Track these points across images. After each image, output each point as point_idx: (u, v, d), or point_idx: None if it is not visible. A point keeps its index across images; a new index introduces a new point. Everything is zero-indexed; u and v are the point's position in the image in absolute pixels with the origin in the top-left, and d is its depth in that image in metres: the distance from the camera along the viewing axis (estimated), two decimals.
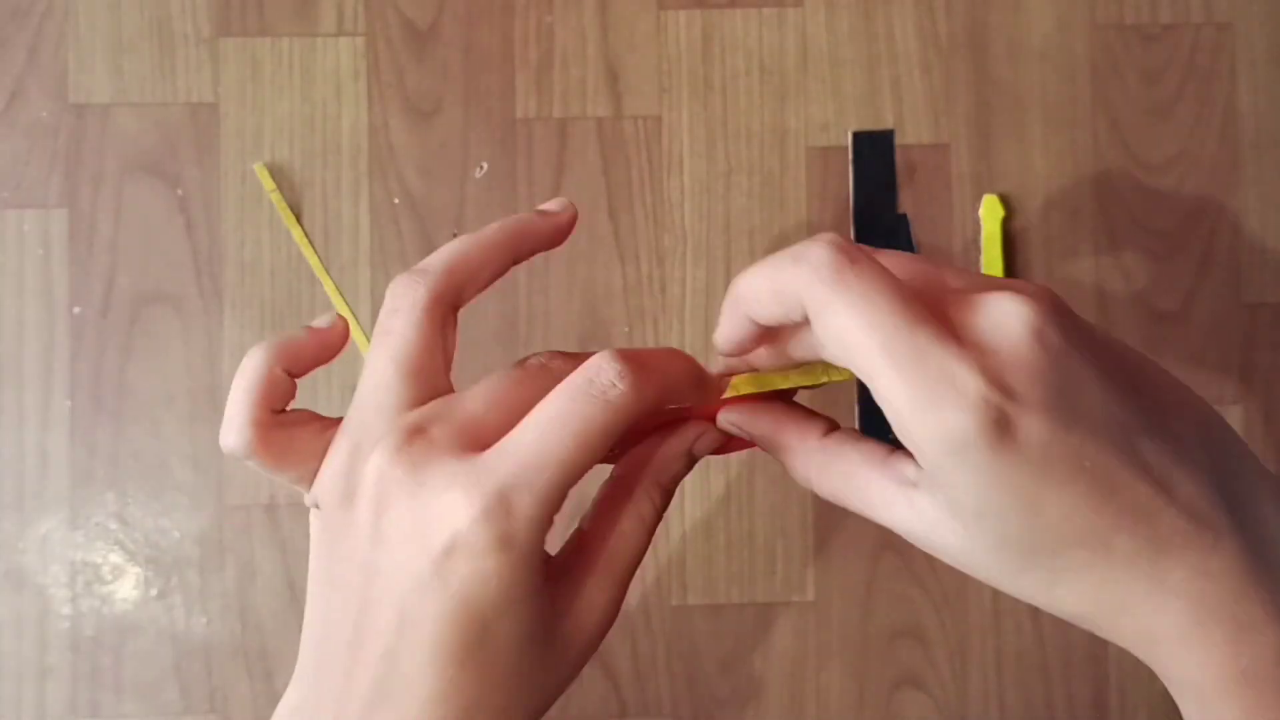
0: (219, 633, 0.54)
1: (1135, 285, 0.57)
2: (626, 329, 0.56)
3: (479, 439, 0.26)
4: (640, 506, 0.29)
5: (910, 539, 0.27)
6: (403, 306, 0.28)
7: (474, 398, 0.27)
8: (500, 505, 0.25)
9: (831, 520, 0.54)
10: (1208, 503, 0.25)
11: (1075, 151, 0.57)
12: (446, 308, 0.29)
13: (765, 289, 0.26)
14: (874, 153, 0.57)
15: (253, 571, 0.54)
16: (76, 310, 0.55)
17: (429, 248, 0.56)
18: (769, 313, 0.26)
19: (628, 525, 0.29)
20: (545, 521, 0.26)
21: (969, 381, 0.23)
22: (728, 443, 0.32)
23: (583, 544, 0.29)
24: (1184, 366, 0.57)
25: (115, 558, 0.54)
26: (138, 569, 0.54)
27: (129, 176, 0.55)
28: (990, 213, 0.56)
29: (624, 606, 0.54)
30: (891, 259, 0.27)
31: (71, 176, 0.55)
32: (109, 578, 0.54)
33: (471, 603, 0.25)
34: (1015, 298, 0.24)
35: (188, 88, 0.56)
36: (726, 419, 0.31)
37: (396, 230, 0.56)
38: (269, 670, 0.54)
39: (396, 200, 0.56)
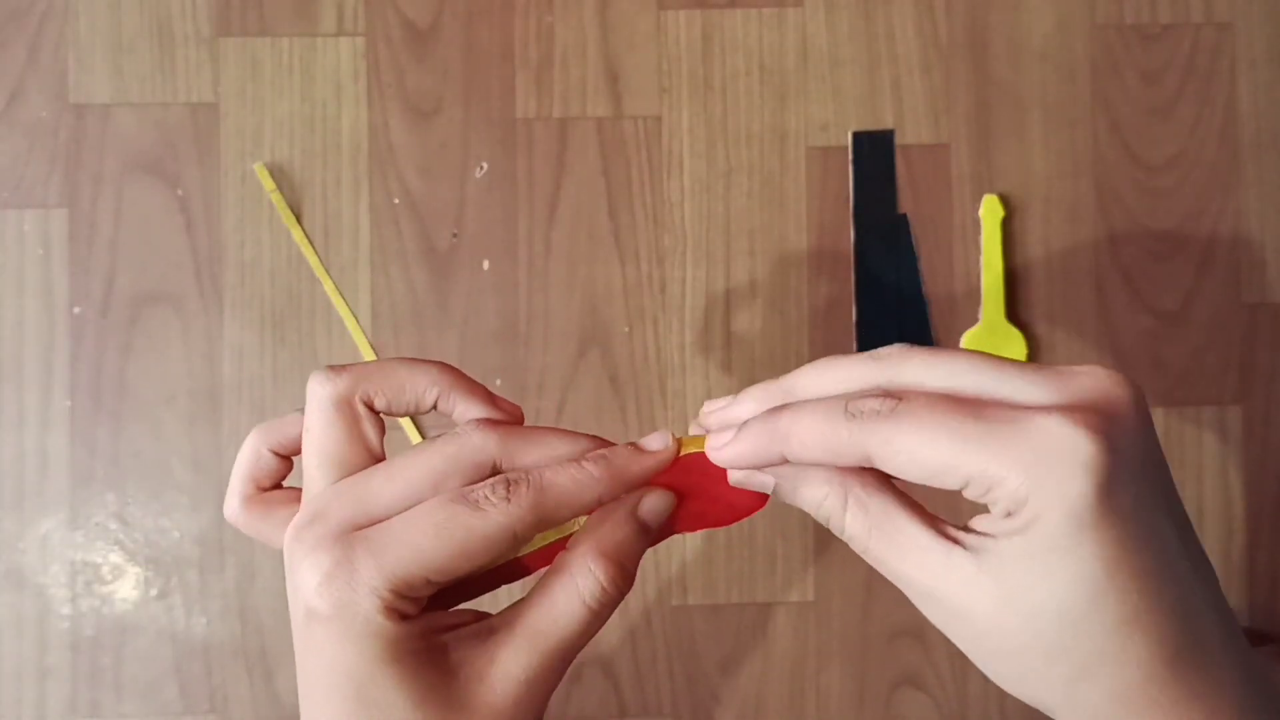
0: (219, 633, 0.54)
1: (1135, 285, 0.57)
2: (626, 329, 0.56)
3: (371, 516, 0.28)
4: (577, 579, 0.29)
5: (927, 598, 0.27)
6: (313, 404, 0.30)
7: (376, 475, 0.29)
8: (342, 573, 0.27)
9: None
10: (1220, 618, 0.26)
11: (1075, 151, 0.57)
12: (355, 405, 0.30)
13: (820, 438, 0.26)
14: (874, 153, 0.57)
15: (253, 571, 0.54)
16: (76, 310, 0.55)
17: (429, 248, 0.56)
18: (812, 458, 0.27)
19: (560, 598, 0.28)
20: (391, 596, 0.27)
21: (1081, 443, 0.24)
22: (730, 508, 0.31)
23: (513, 612, 0.29)
24: (1184, 366, 0.57)
25: (115, 558, 0.54)
26: (138, 569, 0.54)
27: (129, 176, 0.55)
28: (990, 213, 0.56)
29: (624, 607, 0.55)
30: (945, 369, 0.27)
31: (71, 176, 0.55)
32: (109, 578, 0.54)
33: (335, 663, 0.27)
34: (1103, 370, 0.25)
35: (188, 88, 0.56)
36: (737, 473, 0.30)
37: (396, 230, 0.56)
38: (269, 670, 0.54)
39: (396, 200, 0.56)
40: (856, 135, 0.56)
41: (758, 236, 0.56)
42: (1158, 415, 0.56)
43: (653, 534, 0.30)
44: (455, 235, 0.56)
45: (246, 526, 0.35)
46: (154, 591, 0.54)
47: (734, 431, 0.29)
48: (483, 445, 0.29)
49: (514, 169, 0.56)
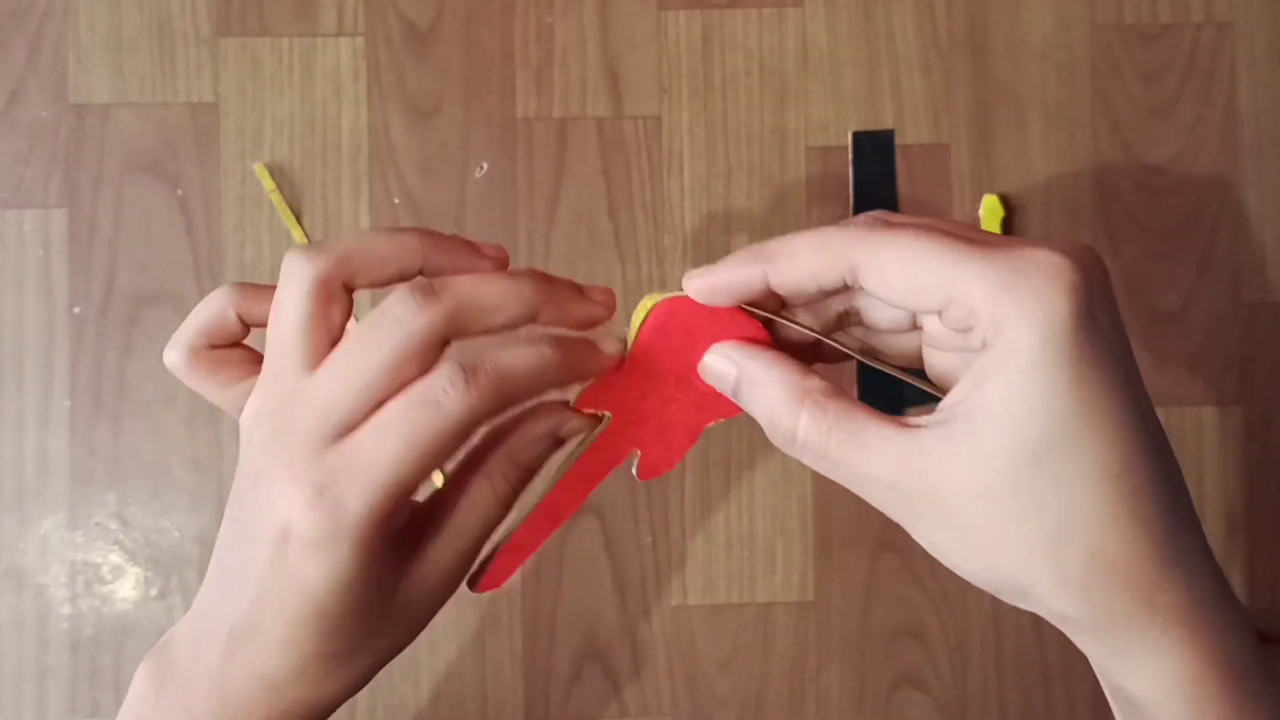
0: None
1: (1135, 285, 0.57)
2: (626, 328, 0.56)
3: (336, 426, 0.28)
4: (494, 480, 0.30)
5: (893, 490, 0.26)
6: (290, 287, 0.29)
7: (331, 377, 0.28)
8: (327, 502, 0.27)
9: (831, 520, 0.54)
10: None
11: (1075, 151, 0.57)
12: (334, 288, 0.29)
13: (806, 245, 0.26)
14: (874, 153, 0.57)
15: None
16: (76, 310, 0.55)
17: None
18: (800, 274, 0.27)
19: (479, 495, 0.30)
20: (375, 518, 0.27)
21: (1063, 267, 0.24)
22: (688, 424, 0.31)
23: (432, 509, 0.31)
24: (1184, 366, 0.57)
25: (115, 558, 0.54)
26: (138, 569, 0.54)
27: (129, 176, 0.55)
28: (990, 213, 0.56)
29: (624, 606, 0.55)
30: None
31: (71, 176, 0.55)
32: (109, 578, 0.54)
33: (307, 585, 0.28)
34: (1075, 242, 0.26)
35: (188, 88, 0.56)
36: (716, 357, 0.30)
37: None
38: None
39: (396, 200, 0.56)
40: (856, 135, 0.56)
41: (758, 236, 0.56)
42: (1158, 415, 0.56)
43: (562, 445, 0.32)
44: (455, 236, 0.56)
45: (188, 378, 0.34)
46: (154, 591, 0.54)
47: (707, 267, 0.29)
48: (428, 326, 0.28)
49: (514, 169, 0.56)
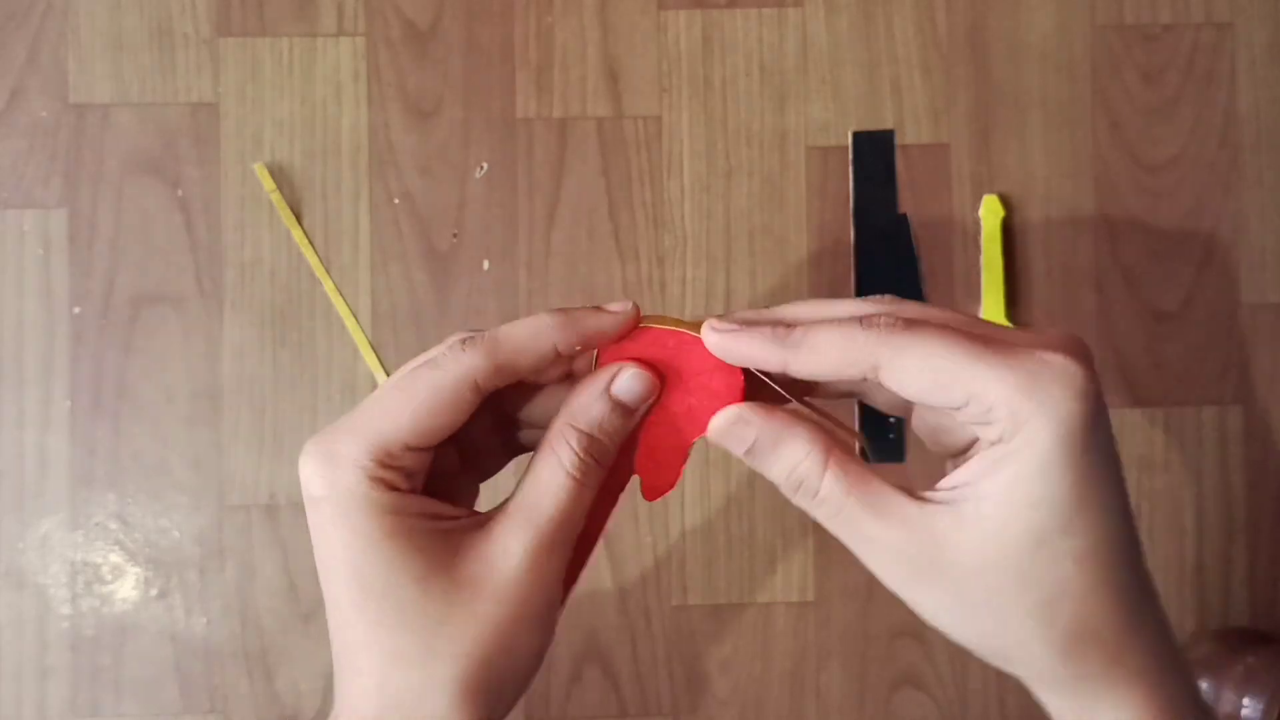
0: (219, 633, 0.54)
1: (1135, 285, 0.57)
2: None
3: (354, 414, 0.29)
4: (558, 451, 0.29)
5: (898, 555, 0.28)
6: (442, 375, 0.29)
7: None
8: (325, 455, 0.28)
9: None
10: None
11: (1075, 151, 0.57)
12: (479, 392, 0.29)
13: (831, 342, 0.27)
14: (874, 153, 0.57)
15: (253, 571, 0.54)
16: (76, 310, 0.55)
17: (429, 248, 0.56)
18: (822, 369, 0.28)
19: (544, 472, 0.29)
20: (374, 465, 0.28)
21: (1077, 373, 0.26)
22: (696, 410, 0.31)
23: (508, 499, 0.30)
24: (1184, 366, 0.57)
25: (115, 558, 0.54)
26: (138, 569, 0.54)
27: (129, 176, 0.55)
28: (990, 213, 0.56)
29: (624, 606, 0.55)
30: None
31: (71, 176, 0.55)
32: (109, 578, 0.54)
33: (332, 543, 0.28)
34: (1068, 332, 0.28)
35: (188, 88, 0.56)
36: (719, 423, 0.30)
37: (396, 230, 0.56)
38: (269, 670, 0.54)
39: (396, 200, 0.56)
40: (856, 135, 0.56)
41: (758, 236, 0.56)
42: (1158, 415, 0.56)
43: (631, 412, 0.30)
44: (455, 235, 0.56)
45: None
46: (154, 591, 0.54)
47: (737, 325, 0.29)
48: (458, 343, 0.30)
49: (514, 169, 0.56)
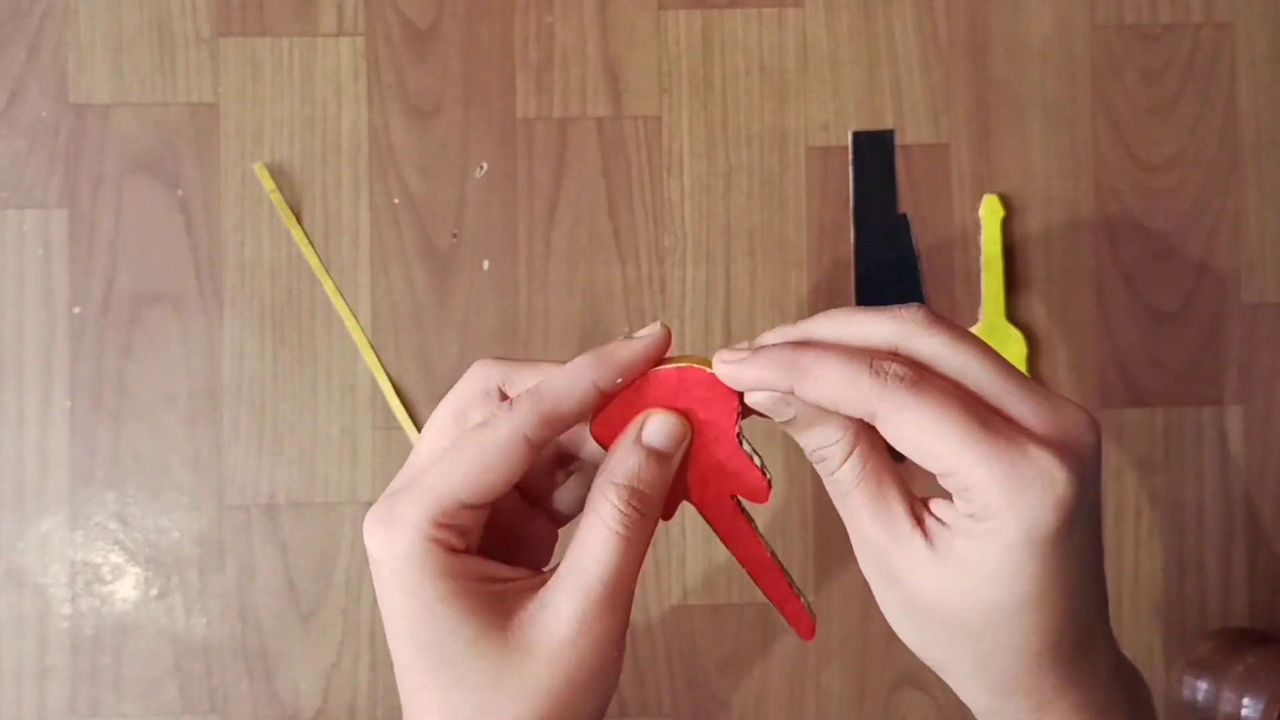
0: (219, 633, 0.54)
1: (1135, 285, 0.57)
2: (626, 328, 0.56)
3: (415, 474, 0.31)
4: (599, 510, 0.29)
5: (876, 557, 0.29)
6: (494, 434, 0.29)
7: (418, 442, 0.32)
8: (384, 518, 0.29)
9: (832, 520, 0.54)
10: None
11: (1075, 151, 0.57)
12: (531, 445, 0.30)
13: (838, 377, 0.28)
14: (874, 153, 0.57)
15: (253, 571, 0.54)
16: (76, 310, 0.55)
17: (429, 248, 0.56)
18: (824, 399, 0.28)
19: (591, 533, 0.29)
20: (430, 526, 0.28)
21: (1060, 479, 0.26)
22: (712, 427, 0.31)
23: (560, 562, 0.30)
24: (1184, 366, 0.57)
25: (115, 558, 0.54)
26: (138, 569, 0.54)
27: (129, 176, 0.55)
28: (990, 213, 0.56)
29: None
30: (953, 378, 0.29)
31: (71, 176, 0.55)
32: (109, 578, 0.54)
33: (392, 604, 0.29)
34: (1082, 411, 0.28)
35: (188, 88, 0.56)
36: (759, 395, 0.30)
37: (396, 230, 0.56)
38: (269, 670, 0.54)
39: (396, 200, 0.56)
40: (856, 135, 0.56)
41: (758, 236, 0.56)
42: (1158, 415, 0.56)
43: (668, 458, 0.31)
44: (455, 235, 0.56)
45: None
46: (154, 591, 0.54)
47: (748, 351, 0.30)
48: (486, 373, 0.31)
49: (514, 169, 0.56)
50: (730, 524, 0.32)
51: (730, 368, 0.29)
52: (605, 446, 0.31)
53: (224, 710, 0.54)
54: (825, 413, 0.29)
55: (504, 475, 0.29)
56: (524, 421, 0.29)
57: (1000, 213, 0.56)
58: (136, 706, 0.54)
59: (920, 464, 0.27)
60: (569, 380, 0.30)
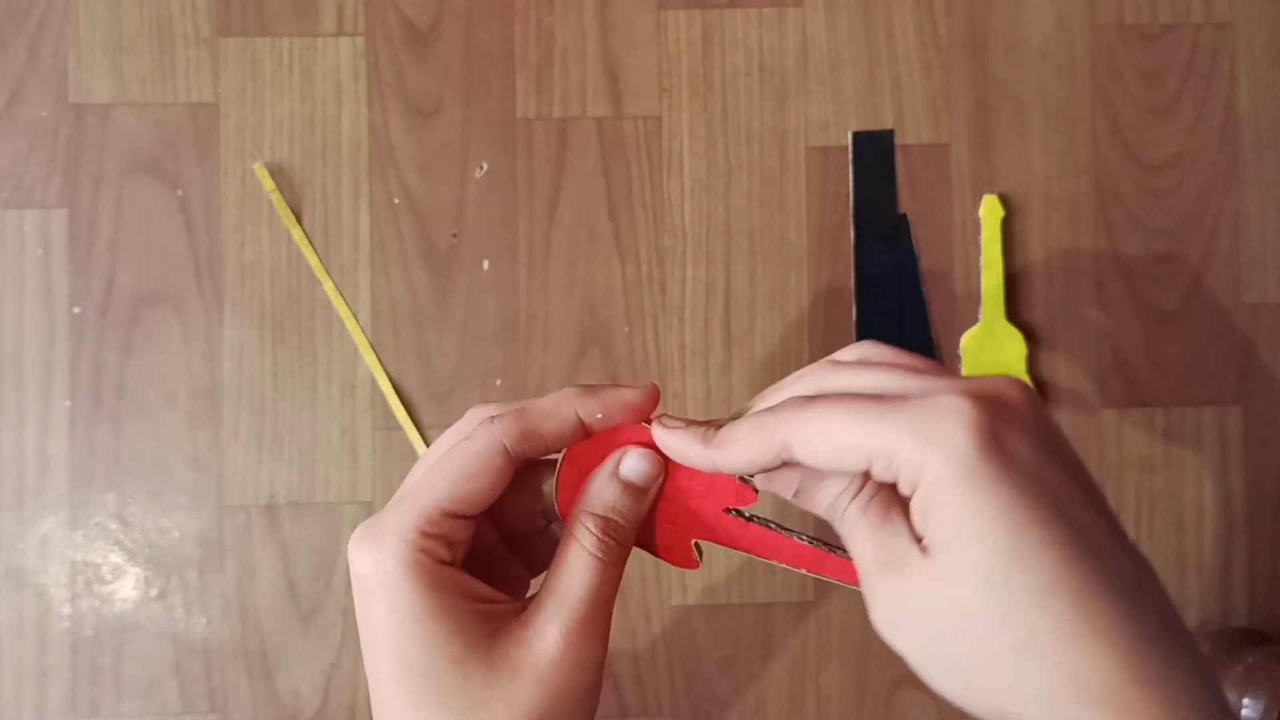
0: (219, 633, 0.54)
1: (1135, 285, 0.57)
2: (626, 329, 0.56)
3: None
4: (579, 537, 0.31)
5: (878, 570, 0.28)
6: (476, 445, 0.31)
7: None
8: (371, 533, 0.30)
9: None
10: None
11: (1075, 151, 0.57)
12: (509, 457, 0.31)
13: (744, 431, 0.29)
14: (874, 153, 0.57)
15: (253, 571, 0.54)
16: (76, 310, 0.55)
17: (429, 248, 0.56)
18: (742, 460, 0.29)
19: (570, 557, 0.31)
20: (415, 535, 0.29)
21: (961, 408, 0.26)
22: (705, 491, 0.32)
23: (541, 585, 0.31)
24: (1184, 366, 0.57)
25: (115, 558, 0.54)
26: (138, 569, 0.54)
27: (129, 176, 0.55)
28: (990, 213, 0.56)
29: (624, 606, 0.54)
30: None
31: (71, 176, 0.55)
32: (109, 578, 0.54)
33: (374, 618, 0.29)
34: (1004, 378, 0.28)
35: (188, 88, 0.56)
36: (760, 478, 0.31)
37: (396, 230, 0.56)
38: (269, 670, 0.54)
39: (396, 200, 0.56)
40: (856, 135, 0.56)
41: (758, 236, 0.56)
42: (1158, 415, 0.56)
43: (642, 491, 0.32)
44: (455, 235, 0.56)
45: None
46: (154, 591, 0.54)
47: (680, 423, 0.31)
48: (481, 416, 0.32)
49: (514, 169, 0.56)
50: (740, 535, 0.33)
51: (661, 436, 0.31)
52: (565, 505, 0.32)
53: (224, 710, 0.54)
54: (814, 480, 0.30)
55: (484, 484, 0.30)
56: (504, 432, 0.30)
57: (1000, 213, 0.56)
58: (136, 706, 0.54)
59: (846, 468, 0.27)
60: (553, 402, 0.31)
